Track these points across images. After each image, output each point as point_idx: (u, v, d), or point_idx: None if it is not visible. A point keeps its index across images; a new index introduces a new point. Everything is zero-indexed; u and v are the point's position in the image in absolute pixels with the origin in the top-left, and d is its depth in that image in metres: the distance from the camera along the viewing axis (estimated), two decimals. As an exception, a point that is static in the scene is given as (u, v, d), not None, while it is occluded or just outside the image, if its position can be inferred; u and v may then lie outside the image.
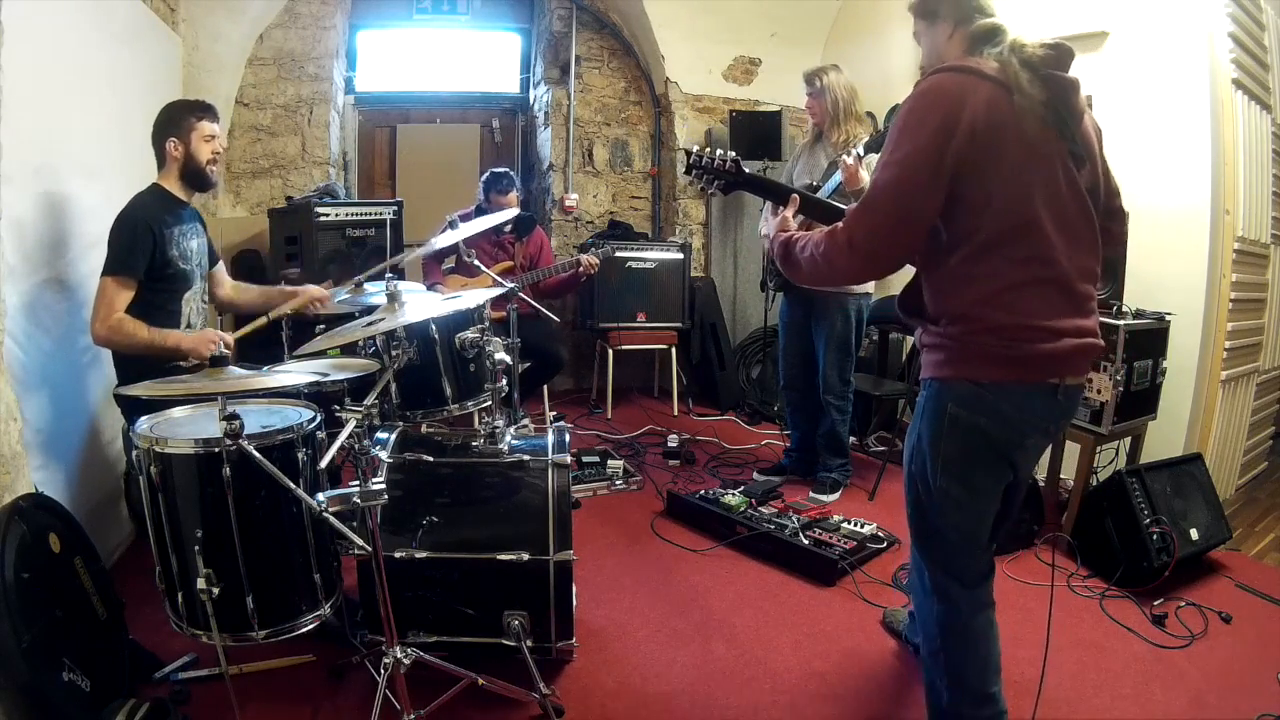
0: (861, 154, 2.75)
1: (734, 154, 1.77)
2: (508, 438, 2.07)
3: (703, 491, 3.04)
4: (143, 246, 2.07)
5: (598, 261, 3.72)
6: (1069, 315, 1.39)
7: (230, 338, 2.18)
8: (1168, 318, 2.83)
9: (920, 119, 1.35)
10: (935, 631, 1.57)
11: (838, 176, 2.82)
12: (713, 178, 1.78)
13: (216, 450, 1.53)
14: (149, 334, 2.04)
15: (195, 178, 2.23)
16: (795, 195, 1.72)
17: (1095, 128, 1.48)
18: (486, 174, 3.74)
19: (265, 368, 1.79)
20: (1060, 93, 1.37)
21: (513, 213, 3.56)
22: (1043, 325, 1.36)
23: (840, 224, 1.46)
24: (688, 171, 1.80)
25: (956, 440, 1.43)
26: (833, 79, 3.01)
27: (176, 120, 2.20)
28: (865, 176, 2.77)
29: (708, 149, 1.79)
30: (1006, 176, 1.34)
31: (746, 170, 1.80)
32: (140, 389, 1.54)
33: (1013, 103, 1.32)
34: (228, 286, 2.51)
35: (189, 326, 2.23)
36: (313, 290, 2.44)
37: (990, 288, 1.37)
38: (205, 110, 2.23)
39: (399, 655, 1.64)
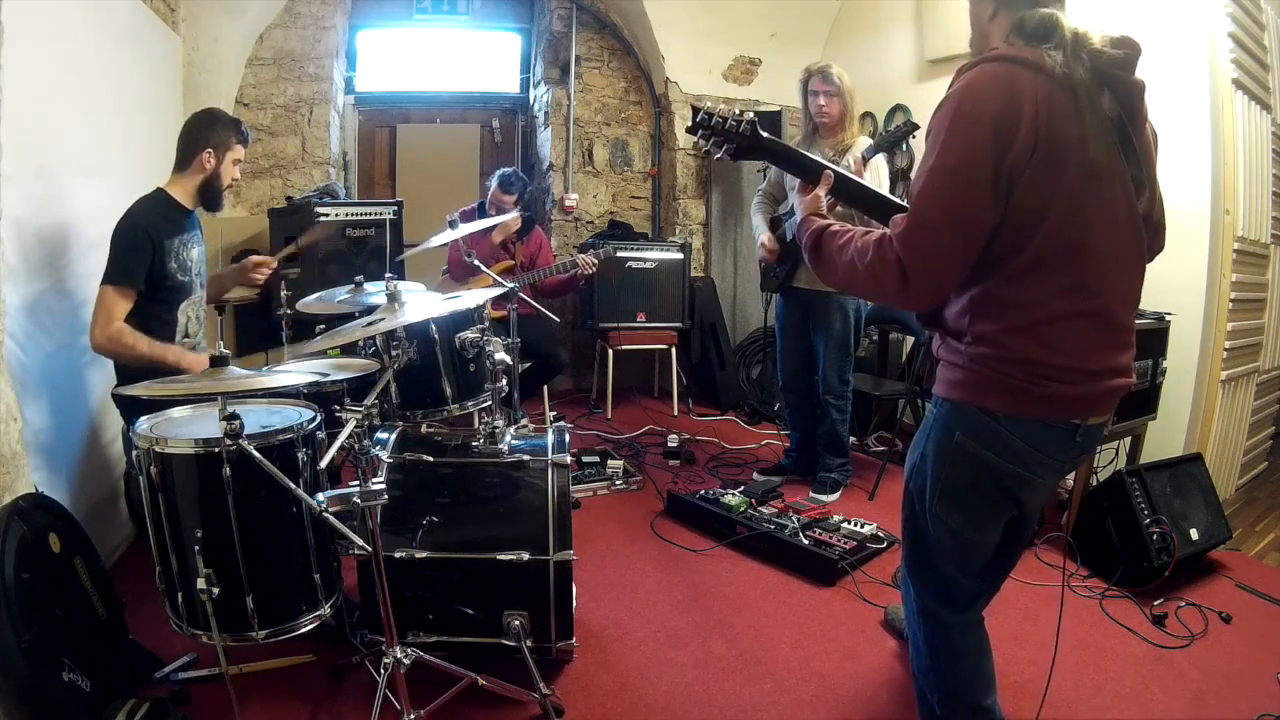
0: (866, 156, 2.75)
1: (751, 114, 1.50)
2: (508, 438, 2.07)
3: (703, 491, 3.04)
4: (143, 255, 2.06)
5: (596, 261, 3.72)
6: (1108, 353, 1.28)
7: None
8: (1168, 318, 2.83)
9: (973, 118, 1.19)
10: (924, 650, 1.52)
11: None
12: (722, 140, 1.49)
13: (216, 450, 1.52)
14: (148, 347, 2.04)
15: (211, 196, 2.24)
16: (829, 172, 1.46)
17: (1154, 134, 1.34)
18: (502, 171, 3.74)
19: (265, 368, 1.79)
20: (1127, 102, 1.25)
21: (516, 215, 3.55)
22: (1079, 367, 1.25)
23: (889, 239, 1.26)
24: (692, 130, 1.52)
25: (960, 470, 1.34)
26: (847, 80, 2.97)
27: (219, 133, 2.20)
28: (870, 178, 2.77)
29: (721, 105, 1.51)
30: (1065, 193, 1.20)
31: (764, 135, 1.51)
32: (140, 389, 1.54)
33: (1077, 109, 1.19)
34: None
35: (186, 336, 2.23)
36: (247, 261, 2.48)
37: (1028, 317, 1.24)
38: (244, 135, 2.27)
39: (399, 655, 1.64)
